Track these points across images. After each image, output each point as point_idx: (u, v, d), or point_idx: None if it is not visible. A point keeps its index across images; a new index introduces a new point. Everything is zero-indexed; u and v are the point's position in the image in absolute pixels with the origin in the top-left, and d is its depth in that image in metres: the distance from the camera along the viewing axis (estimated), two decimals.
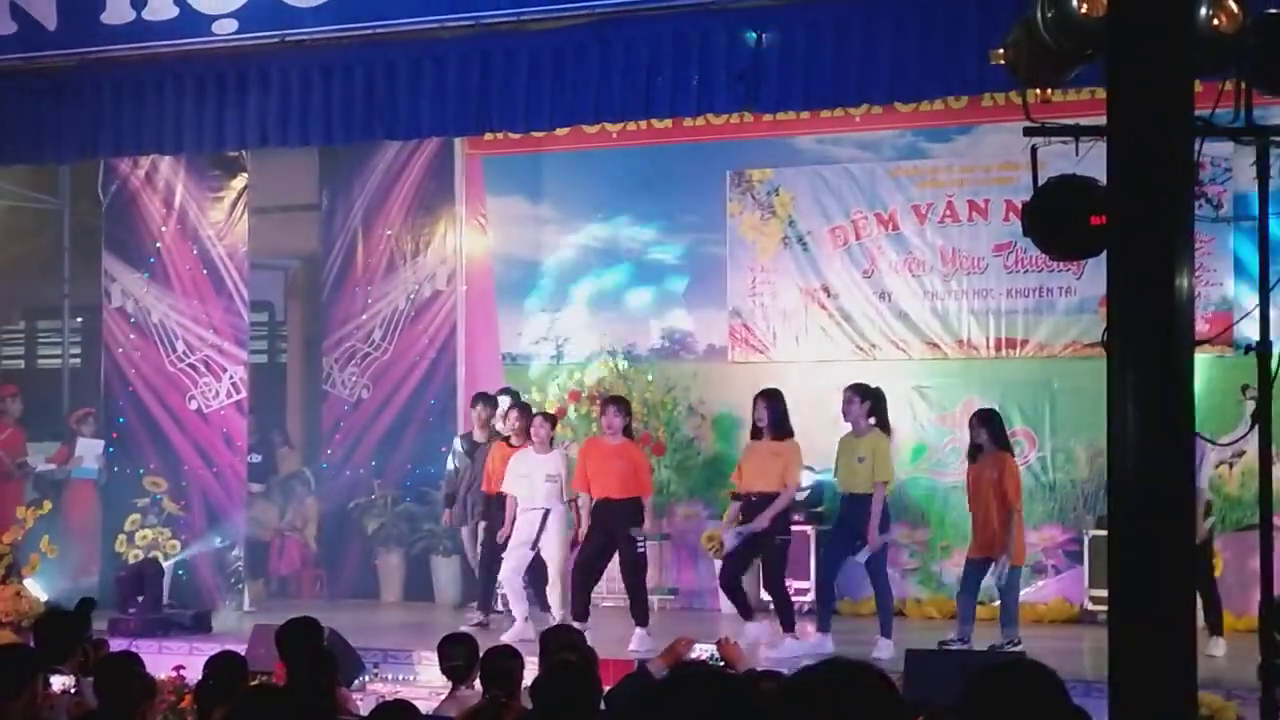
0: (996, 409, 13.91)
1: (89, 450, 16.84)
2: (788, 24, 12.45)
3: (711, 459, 16.71)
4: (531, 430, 14.52)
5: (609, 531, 13.90)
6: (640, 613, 13.78)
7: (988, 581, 13.42)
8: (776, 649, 13.20)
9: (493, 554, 14.77)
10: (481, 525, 15.30)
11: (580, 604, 13.79)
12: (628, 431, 14.18)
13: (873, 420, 13.56)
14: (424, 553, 16.95)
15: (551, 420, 14.90)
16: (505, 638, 12.31)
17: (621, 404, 14.35)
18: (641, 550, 13.97)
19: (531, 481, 14.30)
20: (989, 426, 13.37)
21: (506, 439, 15.01)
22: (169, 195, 16.47)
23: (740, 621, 13.74)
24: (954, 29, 11.79)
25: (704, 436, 16.80)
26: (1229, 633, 13.18)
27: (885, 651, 12.87)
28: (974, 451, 13.41)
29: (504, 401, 15.74)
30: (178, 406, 16.45)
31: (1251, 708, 8.30)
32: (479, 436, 15.67)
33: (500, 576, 14.56)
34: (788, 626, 13.52)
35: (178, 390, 16.45)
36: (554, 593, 14.37)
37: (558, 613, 14.09)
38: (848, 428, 13.70)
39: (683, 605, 16.30)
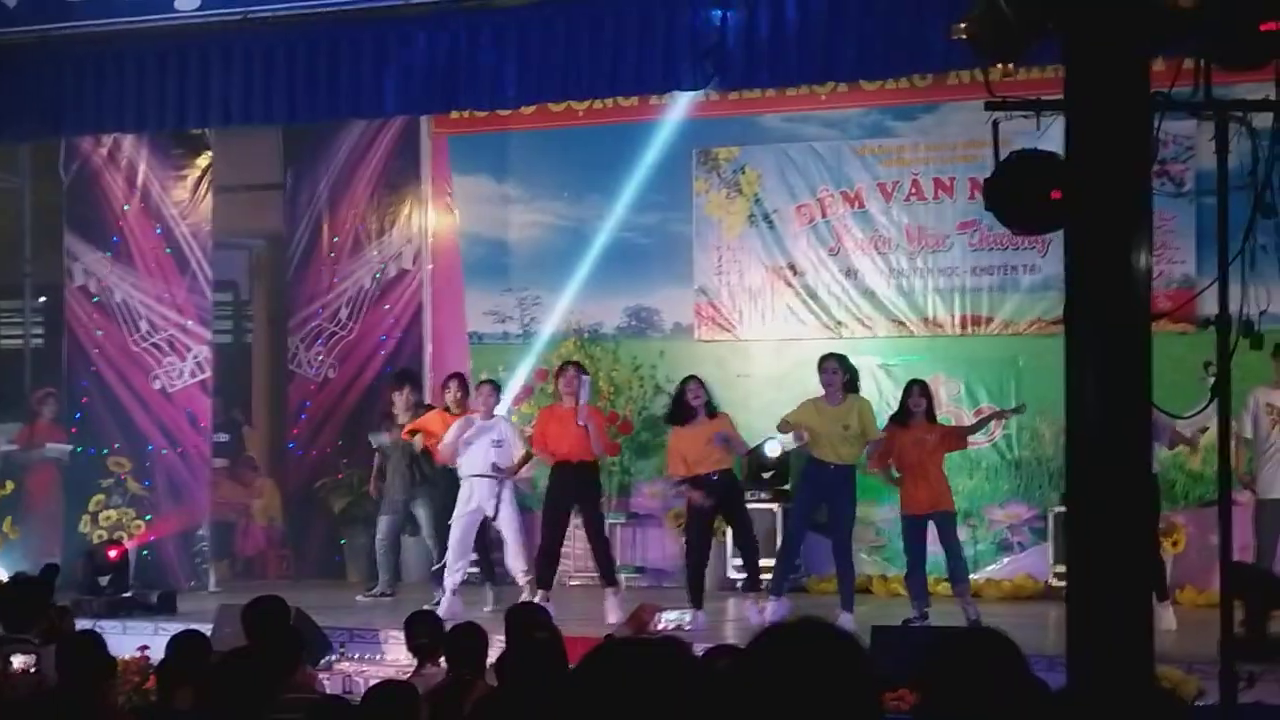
0: (927, 382, 14.01)
1: (57, 451, 16.76)
2: (753, 2, 12.43)
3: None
4: (480, 398, 14.52)
5: (571, 493, 14.04)
6: (609, 575, 13.87)
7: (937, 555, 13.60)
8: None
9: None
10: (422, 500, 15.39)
11: (546, 571, 13.95)
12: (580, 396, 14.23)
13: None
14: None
15: (495, 387, 14.88)
16: (442, 611, 12.41)
17: (578, 366, 14.49)
18: (602, 513, 14.29)
19: (478, 447, 14.30)
20: (929, 398, 13.66)
21: (446, 409, 15.02)
22: (131, 174, 16.37)
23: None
24: (919, 6, 11.78)
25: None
26: (1191, 608, 13.24)
27: (847, 626, 12.91)
28: (906, 416, 13.53)
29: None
30: (141, 386, 16.37)
31: (1212, 681, 8.32)
32: (402, 418, 15.63)
33: (453, 545, 14.47)
34: (777, 591, 13.67)
35: (141, 370, 16.37)
36: (516, 562, 14.37)
37: (522, 580, 14.12)
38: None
39: (649, 584, 16.29)
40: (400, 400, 15.68)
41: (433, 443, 14.77)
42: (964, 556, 13.63)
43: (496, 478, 14.30)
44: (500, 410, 14.94)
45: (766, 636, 3.58)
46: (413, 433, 15.05)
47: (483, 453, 14.34)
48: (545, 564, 13.98)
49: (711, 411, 13.86)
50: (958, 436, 13.88)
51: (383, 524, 15.67)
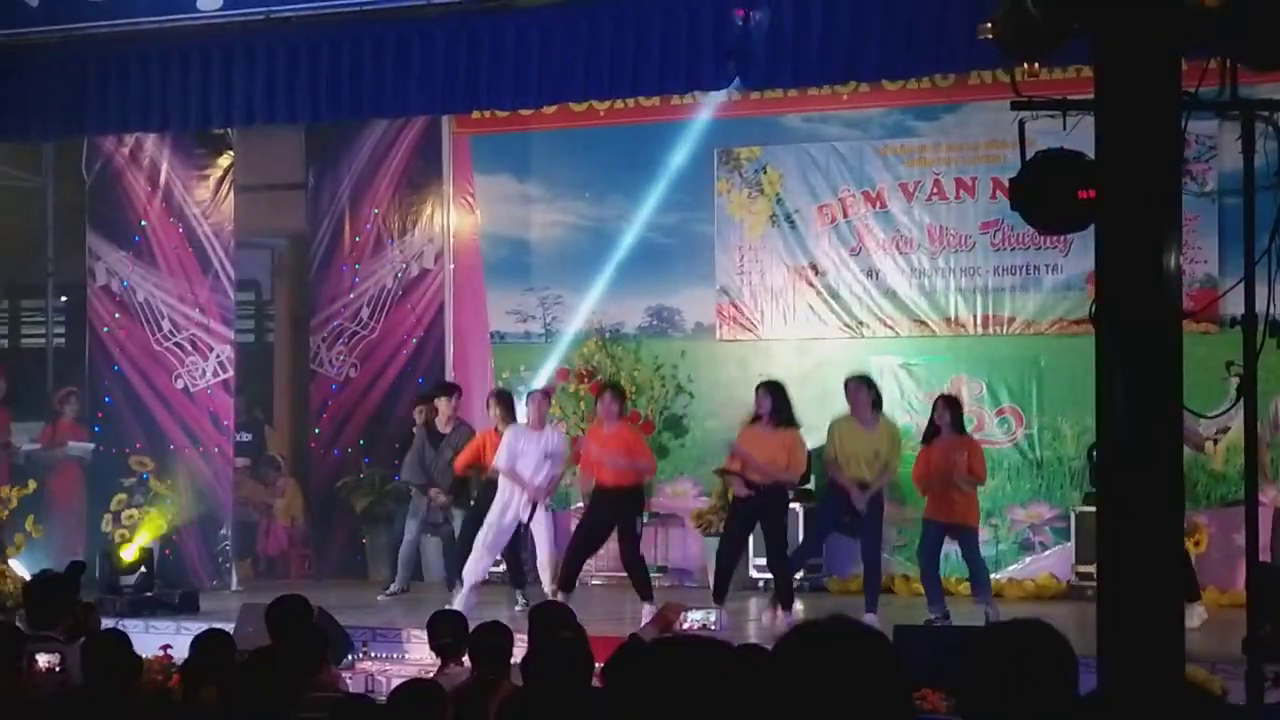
0: (956, 396, 14.06)
1: (80, 450, 16.81)
2: (776, 2, 12.43)
3: (700, 437, 16.70)
4: (532, 407, 14.49)
5: (610, 515, 14.03)
6: (645, 590, 13.85)
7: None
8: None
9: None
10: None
11: (569, 574, 13.90)
12: (623, 415, 14.29)
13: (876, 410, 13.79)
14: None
15: (547, 397, 14.89)
16: (459, 604, 12.47)
17: (617, 389, 14.47)
18: (639, 534, 14.22)
19: (529, 459, 14.28)
20: (953, 410, 13.66)
21: (494, 429, 14.97)
22: (154, 173, 16.40)
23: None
24: (942, 6, 11.76)
25: (692, 414, 16.79)
26: (1213, 608, 13.21)
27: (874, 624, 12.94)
28: (933, 433, 13.62)
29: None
30: (164, 386, 16.40)
31: (1237, 682, 8.31)
32: (444, 428, 15.61)
33: (478, 545, 14.46)
34: (787, 605, 13.61)
35: (164, 369, 16.40)
36: (545, 573, 14.38)
37: (549, 588, 14.13)
38: (836, 404, 13.79)
39: (672, 583, 16.28)
40: (446, 409, 15.62)
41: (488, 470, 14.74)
42: (985, 569, 13.71)
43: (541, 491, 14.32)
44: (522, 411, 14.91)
45: (795, 634, 3.58)
46: (469, 466, 14.99)
47: (533, 463, 14.31)
48: (570, 571, 13.97)
49: (785, 421, 13.81)
50: (979, 462, 13.79)
51: (412, 527, 15.69)
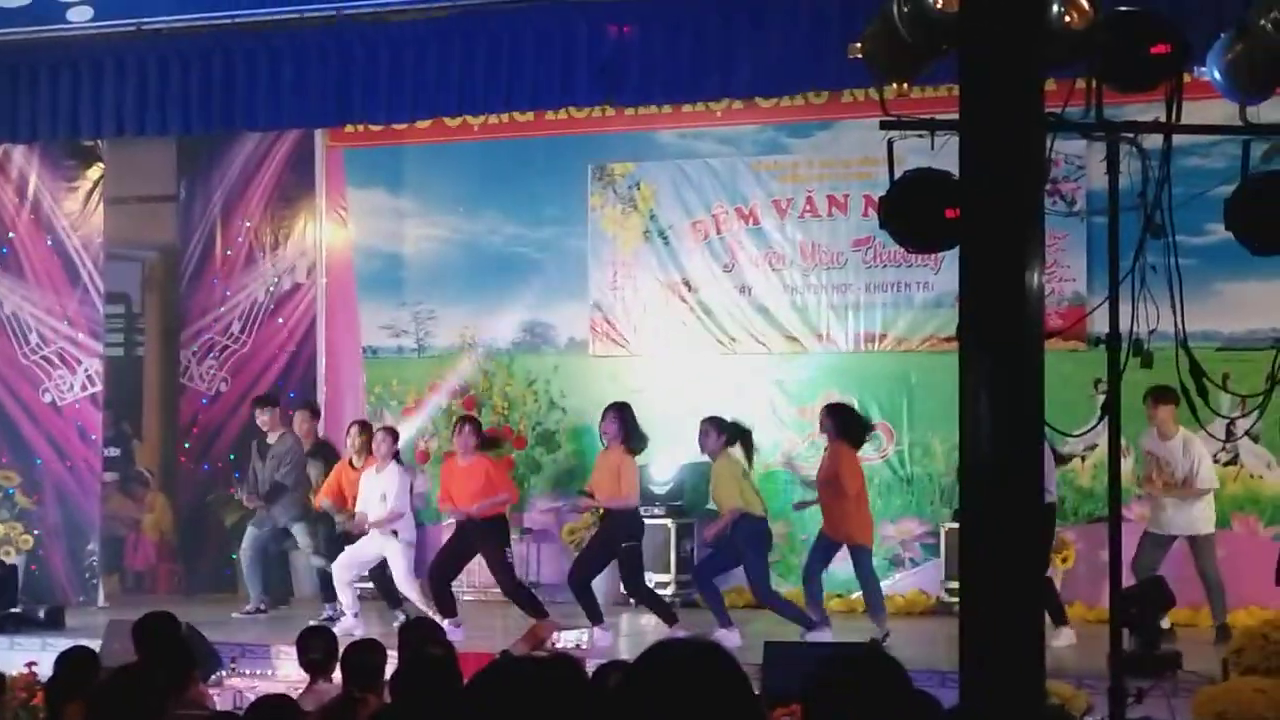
0: (847, 402, 14.13)
1: None
2: (649, 18, 12.50)
3: (572, 453, 16.71)
4: (374, 445, 14.54)
5: (472, 546, 14.13)
6: (539, 610, 13.78)
7: (848, 574, 13.68)
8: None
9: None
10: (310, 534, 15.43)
11: (443, 600, 13.90)
12: (481, 447, 14.29)
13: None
14: (282, 548, 16.79)
15: (394, 435, 14.85)
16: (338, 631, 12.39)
17: (474, 423, 14.50)
18: (510, 561, 14.28)
19: (368, 498, 14.44)
20: (833, 418, 13.68)
21: (349, 462, 14.99)
22: (22, 184, 16.22)
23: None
24: (815, 24, 11.86)
25: (564, 430, 16.79)
26: (1079, 623, 13.36)
27: (733, 640, 13.01)
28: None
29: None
30: (30, 399, 16.22)
31: (1101, 697, 8.41)
32: (271, 438, 15.62)
33: (335, 568, 14.51)
34: (670, 620, 13.60)
35: (31, 383, 16.22)
36: (411, 593, 14.41)
37: (420, 604, 14.17)
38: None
39: (544, 599, 16.23)
40: (264, 420, 15.63)
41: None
42: (875, 586, 13.68)
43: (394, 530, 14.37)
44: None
45: (651, 654, 3.63)
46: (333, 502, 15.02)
47: (371, 504, 14.44)
48: (440, 595, 14.00)
49: (630, 445, 13.84)
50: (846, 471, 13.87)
51: (250, 537, 15.60)
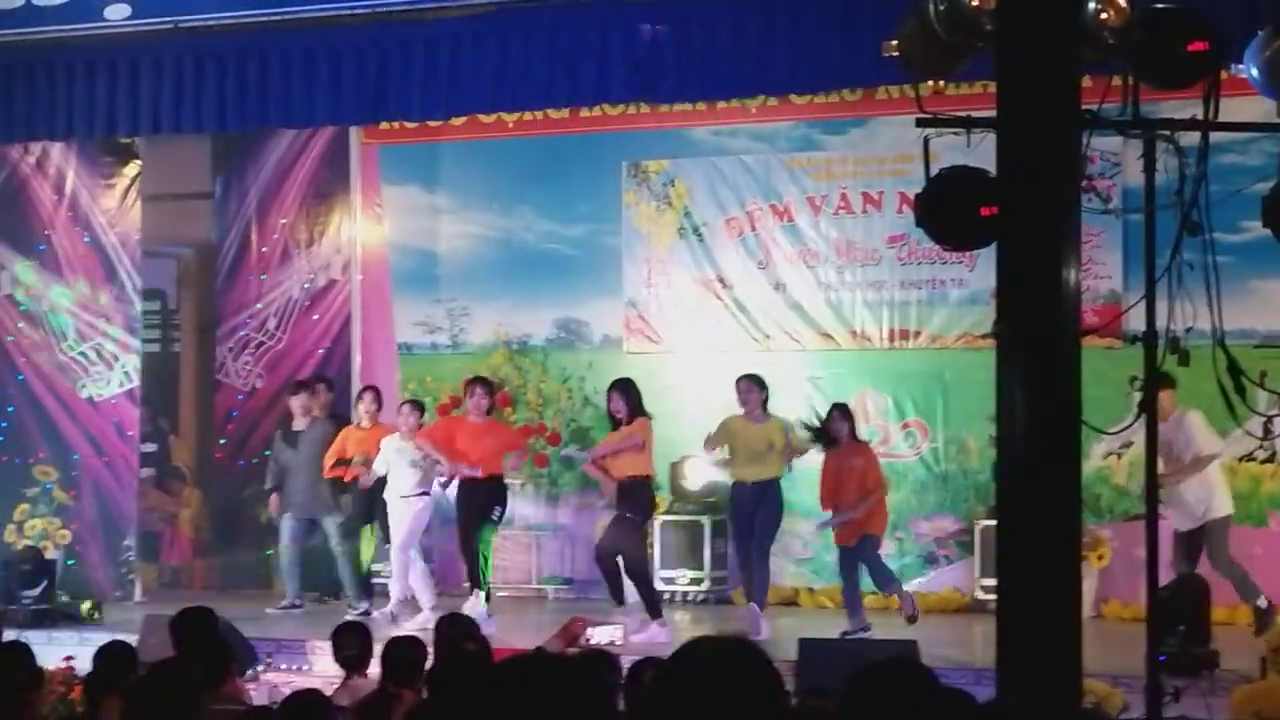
0: (848, 404, 14.15)
1: None
2: (684, 15, 12.49)
3: None
4: (402, 417, 14.63)
5: (476, 507, 14.22)
6: (476, 580, 14.04)
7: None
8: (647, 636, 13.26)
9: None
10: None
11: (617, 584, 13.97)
12: (490, 411, 14.65)
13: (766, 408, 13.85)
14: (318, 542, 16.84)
15: (419, 408, 14.93)
16: (410, 627, 12.47)
17: (486, 384, 14.72)
18: (496, 520, 14.42)
19: (402, 467, 14.46)
20: (850, 420, 13.79)
21: (357, 423, 15.18)
22: (60, 182, 16.32)
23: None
24: (849, 21, 11.84)
25: (599, 426, 16.78)
26: (1116, 621, 13.34)
27: (756, 617, 13.08)
28: (833, 442, 13.68)
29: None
30: (68, 395, 16.31)
31: (1138, 695, 8.39)
32: (300, 424, 15.65)
33: (393, 552, 14.62)
34: (655, 614, 13.60)
35: (69, 379, 16.31)
36: (400, 558, 14.53)
37: (426, 598, 14.30)
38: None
39: (578, 595, 16.29)
40: (299, 406, 15.68)
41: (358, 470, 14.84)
42: (883, 566, 13.76)
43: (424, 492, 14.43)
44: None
45: (685, 651, 3.64)
46: (341, 462, 15.06)
47: (402, 471, 14.49)
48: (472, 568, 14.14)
49: (644, 414, 13.86)
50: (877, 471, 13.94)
51: (288, 528, 15.62)
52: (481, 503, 14.23)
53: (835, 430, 13.71)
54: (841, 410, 13.86)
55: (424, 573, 14.56)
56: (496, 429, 14.73)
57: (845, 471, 13.59)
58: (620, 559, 13.76)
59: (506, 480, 14.53)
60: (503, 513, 14.41)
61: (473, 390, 14.55)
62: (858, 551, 13.57)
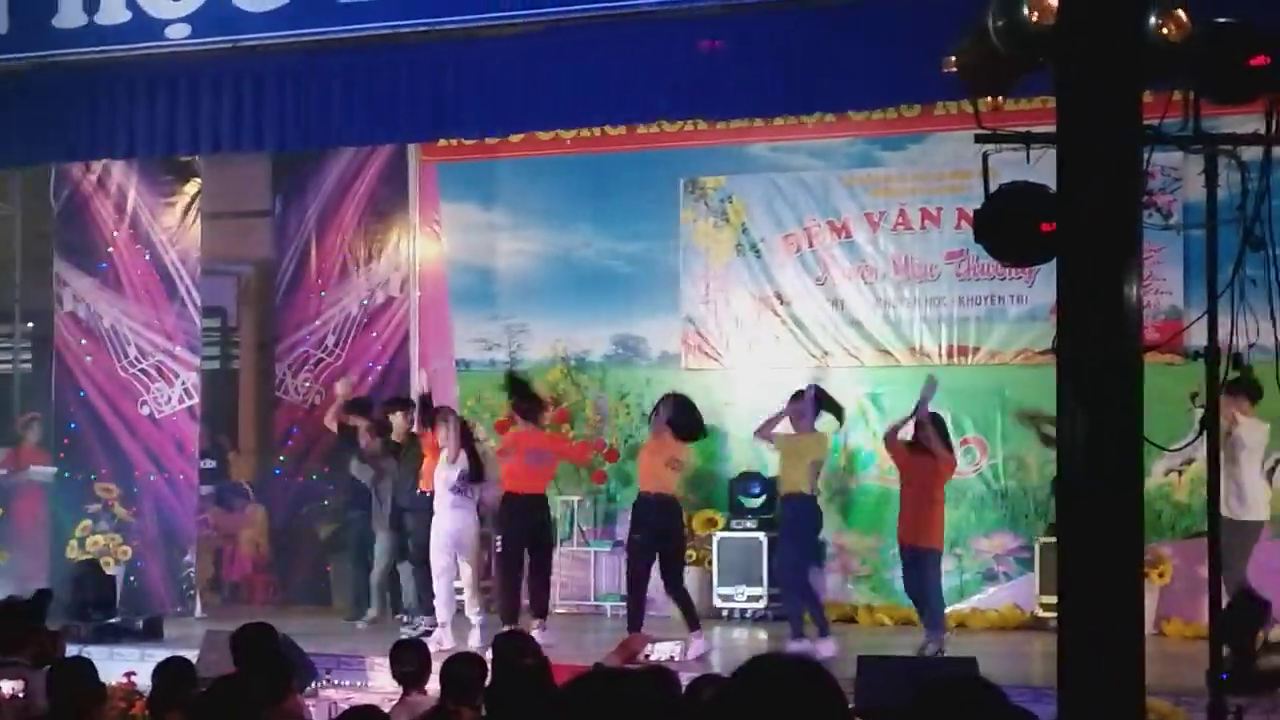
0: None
1: (42, 475, 16.81)
2: (741, 31, 12.48)
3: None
4: (443, 433, 14.51)
5: (527, 527, 14.18)
6: (540, 606, 13.94)
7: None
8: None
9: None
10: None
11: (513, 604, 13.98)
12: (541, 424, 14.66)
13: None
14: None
15: (462, 423, 14.90)
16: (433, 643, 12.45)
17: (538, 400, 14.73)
18: (550, 544, 14.48)
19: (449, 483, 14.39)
20: (937, 426, 13.68)
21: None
22: (121, 200, 16.43)
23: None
24: (907, 37, 11.80)
25: None
26: (1177, 639, 13.25)
27: (828, 650, 12.97)
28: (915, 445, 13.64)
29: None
30: (129, 412, 16.41)
31: (1200, 714, 8.34)
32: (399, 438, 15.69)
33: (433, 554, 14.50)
34: (693, 626, 13.58)
35: (129, 396, 16.41)
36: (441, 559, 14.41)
37: (474, 616, 14.21)
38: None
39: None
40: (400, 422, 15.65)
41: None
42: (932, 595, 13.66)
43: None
44: None
45: (749, 669, 3.63)
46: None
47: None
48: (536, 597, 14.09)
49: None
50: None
51: (385, 546, 15.62)
52: (539, 523, 14.19)
53: (922, 437, 13.62)
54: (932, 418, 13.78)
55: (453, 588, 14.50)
56: (544, 435, 14.61)
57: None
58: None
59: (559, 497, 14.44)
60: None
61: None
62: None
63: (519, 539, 14.20)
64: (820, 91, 12.60)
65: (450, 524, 14.20)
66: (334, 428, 16.17)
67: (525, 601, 14.13)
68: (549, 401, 15.20)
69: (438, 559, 14.26)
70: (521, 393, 14.59)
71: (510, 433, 14.85)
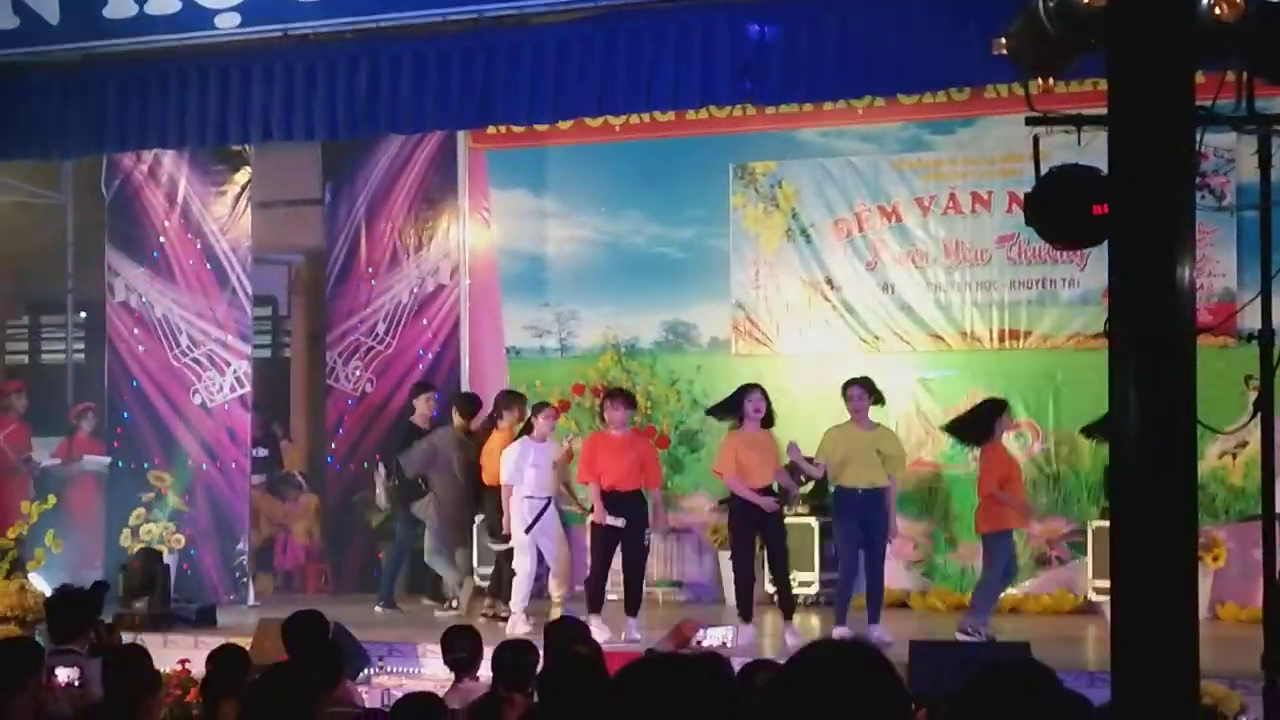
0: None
1: (96, 464, 16.92)
2: (791, 16, 12.44)
3: (715, 452, 16.65)
4: (539, 421, 14.49)
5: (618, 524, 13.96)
6: (634, 603, 13.80)
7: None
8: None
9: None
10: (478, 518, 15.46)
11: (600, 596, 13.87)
12: (631, 423, 14.27)
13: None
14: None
15: (554, 412, 14.88)
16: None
17: (625, 396, 14.36)
18: (646, 545, 14.09)
19: (536, 471, 14.27)
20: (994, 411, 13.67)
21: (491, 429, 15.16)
22: (172, 190, 16.49)
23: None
24: (957, 20, 11.74)
25: (707, 429, 16.76)
26: (1232, 623, 13.19)
27: (882, 637, 12.90)
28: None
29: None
30: (182, 401, 16.48)
31: (1255, 698, 8.30)
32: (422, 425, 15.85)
33: (519, 574, 14.42)
34: (787, 615, 13.54)
35: (182, 385, 16.48)
36: (556, 582, 14.37)
37: (557, 596, 14.21)
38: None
39: (688, 598, 16.31)
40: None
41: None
42: (981, 583, 13.63)
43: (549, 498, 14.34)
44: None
45: (805, 655, 3.62)
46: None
47: (542, 477, 14.38)
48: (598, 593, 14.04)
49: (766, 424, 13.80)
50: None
51: (435, 530, 15.68)
52: (625, 515, 13.95)
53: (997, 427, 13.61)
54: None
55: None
56: (637, 444, 14.22)
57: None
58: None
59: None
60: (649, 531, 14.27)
61: (609, 403, 14.24)
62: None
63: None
64: (870, 75, 12.55)
65: (533, 511, 14.27)
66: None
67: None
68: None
69: (524, 547, 14.32)
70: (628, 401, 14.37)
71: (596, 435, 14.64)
